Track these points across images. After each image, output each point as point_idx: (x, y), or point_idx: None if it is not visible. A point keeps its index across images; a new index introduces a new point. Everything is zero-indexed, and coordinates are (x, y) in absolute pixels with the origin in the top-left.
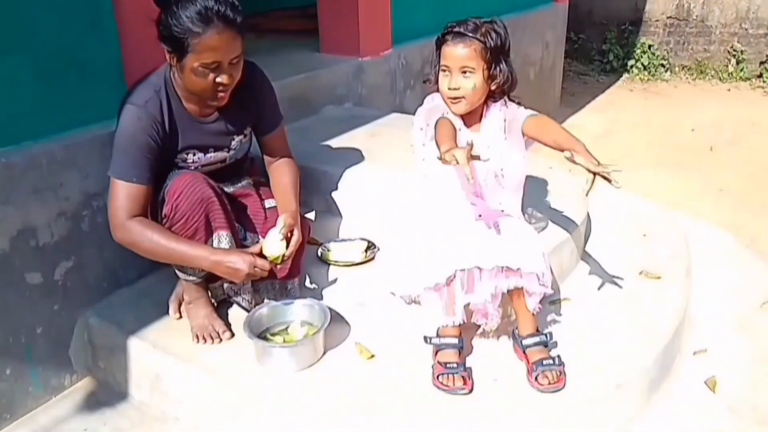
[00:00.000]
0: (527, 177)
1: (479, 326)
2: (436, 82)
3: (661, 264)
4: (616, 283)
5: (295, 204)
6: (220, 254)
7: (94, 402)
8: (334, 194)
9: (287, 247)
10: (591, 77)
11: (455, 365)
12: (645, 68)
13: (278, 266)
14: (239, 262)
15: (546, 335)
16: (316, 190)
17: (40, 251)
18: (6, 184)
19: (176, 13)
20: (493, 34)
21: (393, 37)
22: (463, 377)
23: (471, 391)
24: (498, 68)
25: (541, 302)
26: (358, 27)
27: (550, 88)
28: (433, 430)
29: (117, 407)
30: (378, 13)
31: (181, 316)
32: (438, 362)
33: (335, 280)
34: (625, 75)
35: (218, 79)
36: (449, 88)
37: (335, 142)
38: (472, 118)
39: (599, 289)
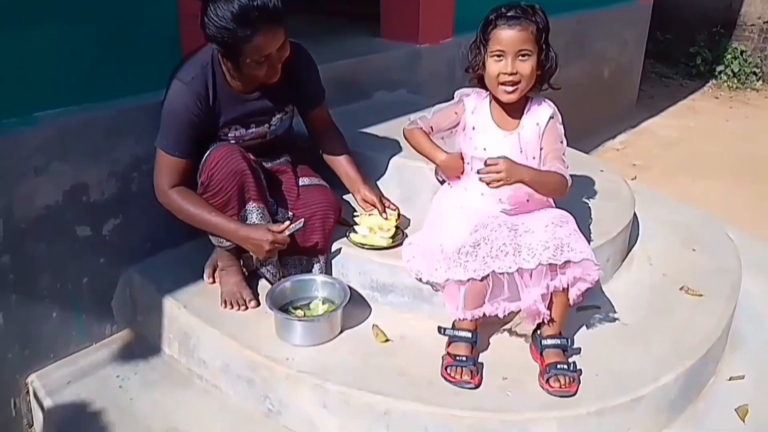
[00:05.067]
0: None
1: (501, 323)
2: (479, 70)
3: (705, 281)
4: (652, 297)
5: (360, 179)
6: (246, 230)
7: (129, 353)
8: (373, 179)
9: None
10: (674, 80)
11: (464, 359)
12: (735, 75)
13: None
14: (259, 239)
15: (567, 339)
16: None
17: (91, 207)
18: (63, 142)
19: (216, 19)
20: (542, 16)
21: (455, 25)
22: (471, 371)
23: (478, 386)
24: (548, 52)
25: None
26: (418, 13)
27: (626, 89)
28: (432, 420)
29: (149, 360)
30: (440, 0)
31: (214, 281)
32: (448, 353)
33: (361, 262)
34: (712, 81)
35: (269, 65)
36: (506, 73)
37: (381, 128)
38: (511, 113)
39: (632, 300)
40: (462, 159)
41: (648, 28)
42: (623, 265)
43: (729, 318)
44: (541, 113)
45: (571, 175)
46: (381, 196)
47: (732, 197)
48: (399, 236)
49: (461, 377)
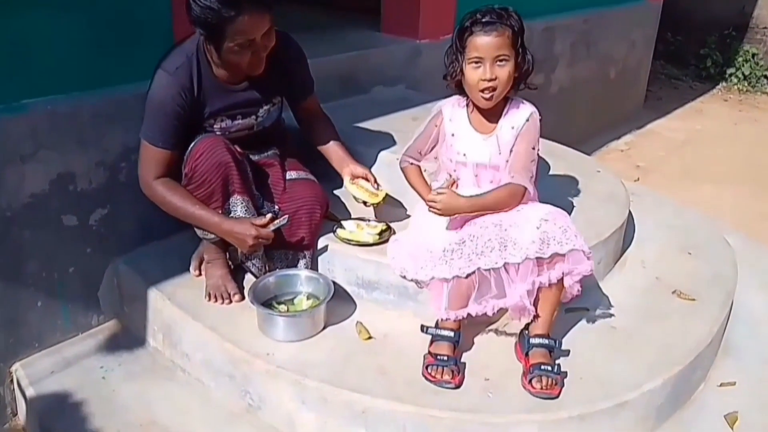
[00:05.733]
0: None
1: (487, 322)
2: (457, 77)
3: (699, 285)
4: (643, 300)
5: (349, 157)
6: (230, 223)
7: (115, 343)
8: None
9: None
10: (684, 82)
11: (446, 358)
12: (745, 78)
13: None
14: (243, 234)
15: (554, 341)
16: None
17: (78, 196)
18: (50, 130)
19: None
20: (516, 19)
21: (456, 21)
22: (452, 371)
23: (458, 386)
24: (525, 55)
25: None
26: (418, 8)
27: (633, 90)
28: (410, 419)
29: (134, 351)
30: None
31: (200, 274)
32: (430, 353)
33: (347, 259)
34: (723, 83)
35: (254, 53)
36: (485, 79)
37: (376, 123)
38: (490, 116)
39: (623, 303)
40: (449, 186)
41: (657, 28)
42: (616, 268)
43: (721, 324)
44: (519, 116)
45: (567, 174)
46: (370, 172)
47: (737, 202)
48: (386, 233)
49: (441, 377)
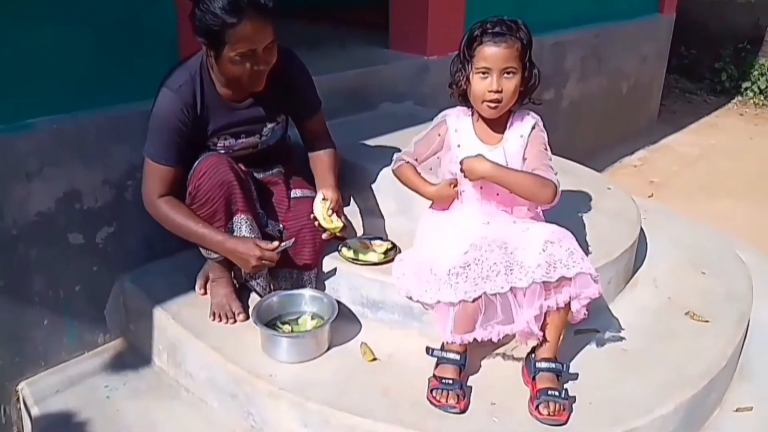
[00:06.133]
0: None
1: (494, 345)
2: (462, 86)
3: (713, 306)
4: (655, 321)
5: (332, 179)
6: (234, 242)
7: (120, 362)
8: (367, 191)
9: (336, 215)
10: (698, 96)
11: (451, 381)
12: (761, 92)
13: (339, 234)
14: (246, 254)
15: (562, 365)
16: (350, 186)
17: (84, 214)
18: (56, 148)
19: (208, 6)
20: (526, 32)
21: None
22: (457, 395)
23: (464, 410)
24: (532, 69)
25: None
26: (426, 25)
27: (646, 104)
28: None
29: (139, 370)
30: (450, 12)
31: (205, 293)
32: (435, 376)
33: (352, 278)
34: (738, 98)
35: (254, 66)
36: (491, 91)
37: (383, 140)
38: (495, 127)
39: (634, 324)
40: (452, 184)
41: (670, 42)
42: (627, 288)
43: (736, 346)
44: (525, 126)
45: (576, 191)
46: (340, 202)
47: (752, 217)
48: (391, 252)
49: (446, 401)
